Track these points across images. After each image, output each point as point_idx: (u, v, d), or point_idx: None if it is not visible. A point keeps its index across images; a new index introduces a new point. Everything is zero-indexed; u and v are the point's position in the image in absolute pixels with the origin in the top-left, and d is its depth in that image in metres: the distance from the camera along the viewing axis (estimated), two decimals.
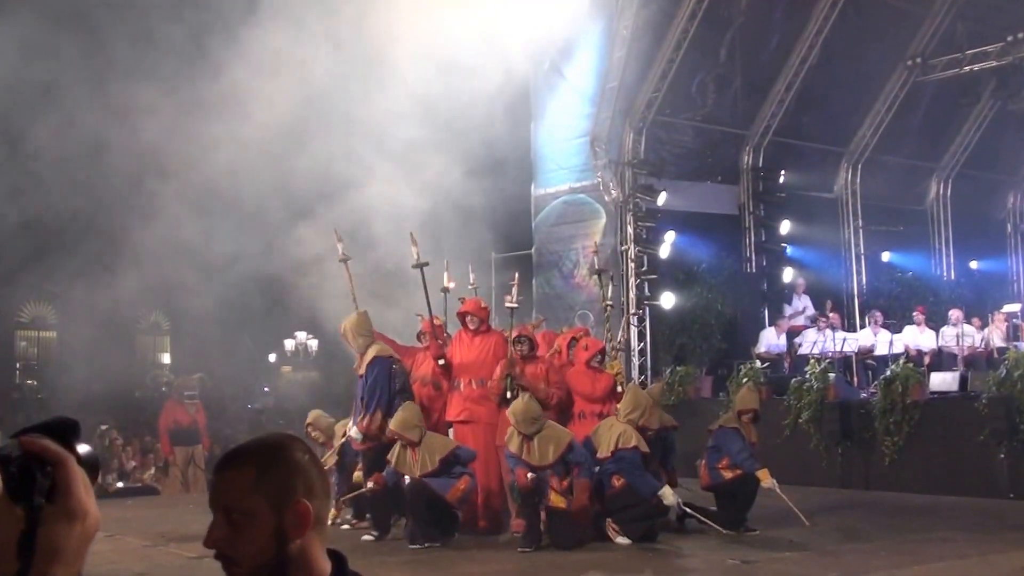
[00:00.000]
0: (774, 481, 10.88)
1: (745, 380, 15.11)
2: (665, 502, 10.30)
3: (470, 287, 13.03)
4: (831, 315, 18.47)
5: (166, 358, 22.98)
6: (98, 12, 13.73)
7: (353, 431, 11.08)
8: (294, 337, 20.96)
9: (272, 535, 2.06)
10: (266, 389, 19.72)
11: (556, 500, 10.13)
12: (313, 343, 20.96)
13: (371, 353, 11.06)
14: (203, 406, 17.10)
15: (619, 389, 11.50)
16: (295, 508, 2.06)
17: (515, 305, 12.70)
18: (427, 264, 11.87)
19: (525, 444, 10.25)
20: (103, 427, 17.60)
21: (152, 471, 17.07)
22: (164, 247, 14.40)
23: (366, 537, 10.99)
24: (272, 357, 21.32)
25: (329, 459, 11.48)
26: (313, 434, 12.30)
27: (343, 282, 12.03)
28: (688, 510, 10.45)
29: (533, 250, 19.28)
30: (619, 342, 12.87)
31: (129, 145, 13.59)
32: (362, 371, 11.11)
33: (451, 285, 12.46)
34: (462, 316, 11.70)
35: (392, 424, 10.48)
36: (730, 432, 11.18)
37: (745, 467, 10.92)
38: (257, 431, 17.33)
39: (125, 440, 17.65)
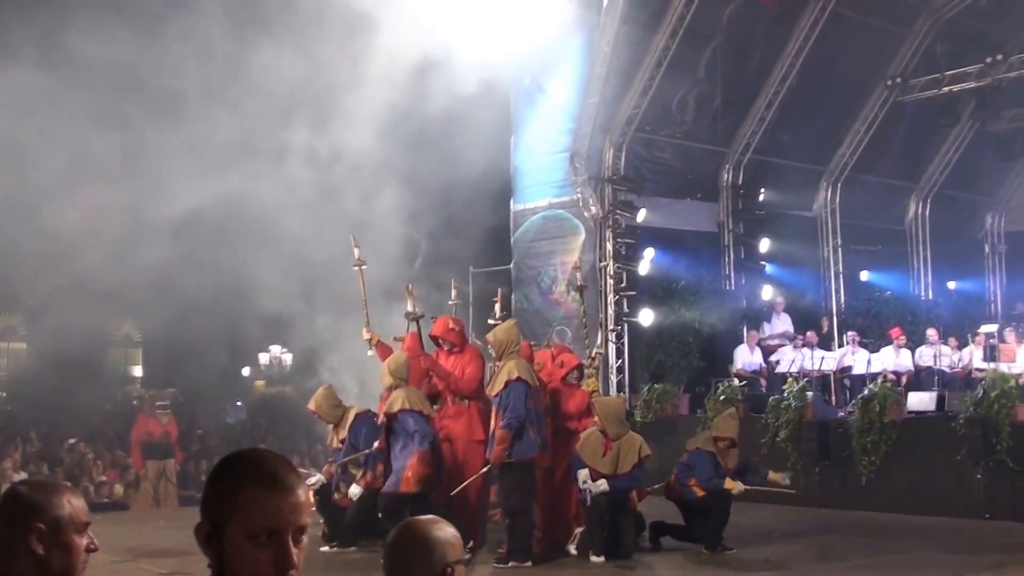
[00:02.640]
0: (739, 483, 10.84)
1: (723, 398, 15.05)
2: (577, 480, 10.32)
3: (451, 303, 13.01)
4: (809, 333, 18.45)
5: (138, 371, 22.72)
6: None
7: (353, 488, 11.02)
8: (268, 351, 20.78)
9: None
10: (238, 404, 19.53)
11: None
12: (287, 357, 20.79)
13: (352, 413, 11.34)
14: (175, 420, 16.90)
15: None
16: None
17: (498, 321, 12.69)
18: (423, 316, 11.95)
19: (493, 371, 10.61)
20: (72, 440, 17.35)
21: (123, 485, 16.83)
22: (137, 257, 14.23)
23: (324, 548, 11.01)
24: (246, 371, 21.11)
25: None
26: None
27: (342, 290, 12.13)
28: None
29: (512, 265, 19.16)
30: (594, 358, 12.75)
31: (95, 152, 13.44)
32: (343, 434, 11.22)
33: (416, 311, 12.39)
34: (434, 339, 11.68)
35: (387, 360, 10.89)
36: (705, 455, 11.10)
37: (710, 486, 10.88)
38: (230, 447, 17.18)
39: (95, 454, 17.39)
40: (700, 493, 10.91)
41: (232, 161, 13.89)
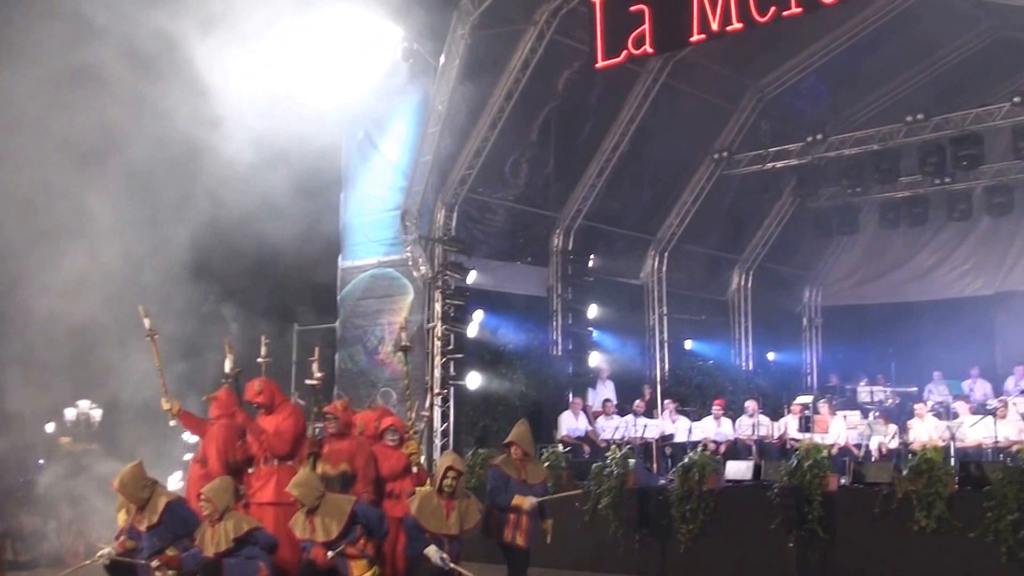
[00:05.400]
0: (530, 498, 10.62)
1: (547, 464, 14.90)
2: (432, 559, 9.89)
3: (260, 360, 12.45)
4: (637, 402, 18.58)
5: None
6: None
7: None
8: (76, 406, 19.76)
9: None
10: (41, 462, 18.40)
11: (359, 568, 9.68)
12: (96, 413, 19.79)
13: (162, 500, 10.42)
14: None
15: (414, 470, 11.14)
16: None
17: (316, 382, 12.30)
18: (240, 372, 11.55)
19: (309, 522, 9.77)
20: None
21: None
22: None
23: None
24: (50, 427, 19.94)
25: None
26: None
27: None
28: (455, 567, 9.99)
29: (337, 324, 18.75)
30: (416, 421, 12.47)
31: None
32: (154, 520, 10.38)
33: (238, 371, 11.88)
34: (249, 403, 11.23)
35: (204, 490, 9.91)
36: (495, 470, 10.95)
37: (498, 503, 10.66)
38: (26, 507, 16.11)
39: None
40: (507, 538, 10.72)
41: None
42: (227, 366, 11.93)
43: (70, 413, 20.15)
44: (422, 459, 12.13)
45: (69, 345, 13.93)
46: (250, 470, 11.08)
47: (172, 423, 11.56)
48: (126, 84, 13.58)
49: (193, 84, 13.96)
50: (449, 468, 10.27)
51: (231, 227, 14.84)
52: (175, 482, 13.99)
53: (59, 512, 16.20)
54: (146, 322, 11.37)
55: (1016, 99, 18.24)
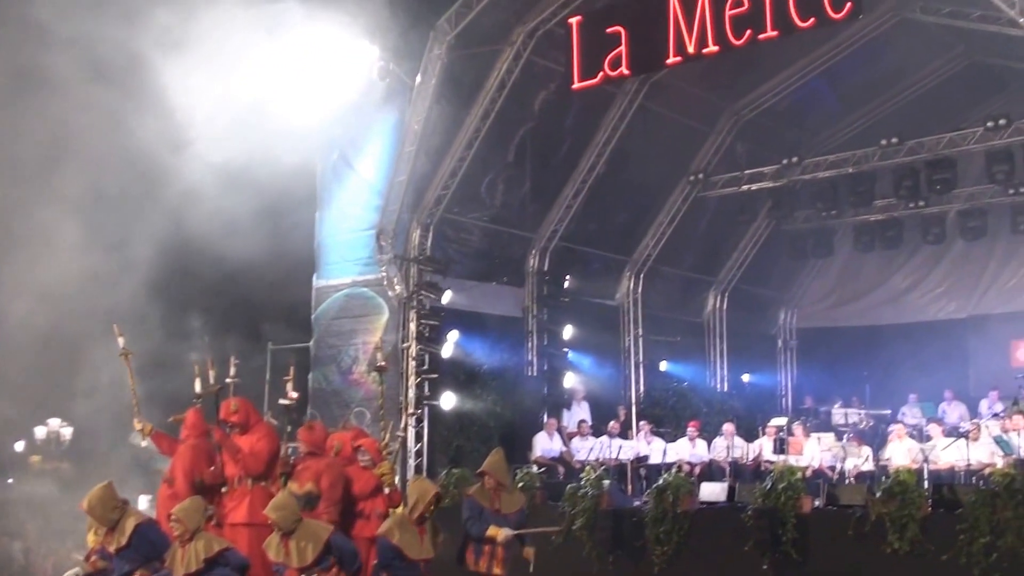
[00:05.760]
0: (505, 530, 10.50)
1: (521, 485, 14.83)
2: None
3: (228, 380, 12.31)
4: (611, 424, 18.54)
5: None
6: None
7: None
8: (46, 424, 19.54)
9: None
10: (10, 481, 18.18)
11: None
12: (67, 431, 19.57)
13: (131, 522, 10.24)
14: None
15: (385, 490, 11.04)
16: None
17: (290, 402, 12.20)
18: (221, 388, 11.50)
19: (283, 545, 9.64)
20: None
21: None
22: None
23: None
24: (19, 445, 19.70)
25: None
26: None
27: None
28: None
29: (312, 343, 18.64)
30: (390, 441, 12.39)
31: None
32: (123, 542, 10.20)
33: (218, 387, 11.78)
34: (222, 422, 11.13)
35: (174, 510, 9.76)
36: (468, 500, 10.83)
37: (471, 532, 10.55)
38: None
39: None
40: (482, 568, 10.59)
41: None
42: (198, 386, 11.81)
43: (40, 431, 19.92)
44: (396, 479, 12.01)
45: (39, 362, 13.80)
46: (223, 489, 11.01)
47: (144, 443, 11.46)
48: (104, 98, 13.53)
49: (167, 103, 13.92)
50: (436, 495, 10.17)
51: (205, 245, 14.77)
52: (143, 503, 13.86)
53: (26, 531, 16.02)
54: (120, 341, 11.29)
55: (989, 124, 18.41)
